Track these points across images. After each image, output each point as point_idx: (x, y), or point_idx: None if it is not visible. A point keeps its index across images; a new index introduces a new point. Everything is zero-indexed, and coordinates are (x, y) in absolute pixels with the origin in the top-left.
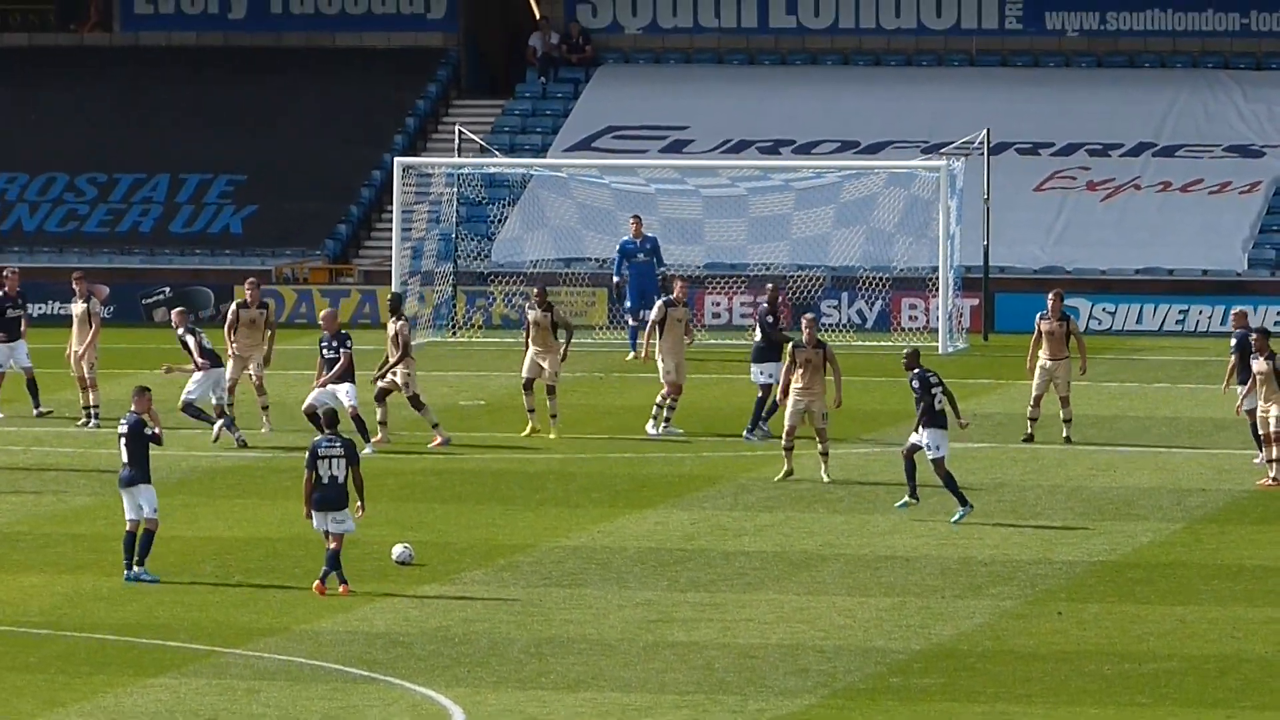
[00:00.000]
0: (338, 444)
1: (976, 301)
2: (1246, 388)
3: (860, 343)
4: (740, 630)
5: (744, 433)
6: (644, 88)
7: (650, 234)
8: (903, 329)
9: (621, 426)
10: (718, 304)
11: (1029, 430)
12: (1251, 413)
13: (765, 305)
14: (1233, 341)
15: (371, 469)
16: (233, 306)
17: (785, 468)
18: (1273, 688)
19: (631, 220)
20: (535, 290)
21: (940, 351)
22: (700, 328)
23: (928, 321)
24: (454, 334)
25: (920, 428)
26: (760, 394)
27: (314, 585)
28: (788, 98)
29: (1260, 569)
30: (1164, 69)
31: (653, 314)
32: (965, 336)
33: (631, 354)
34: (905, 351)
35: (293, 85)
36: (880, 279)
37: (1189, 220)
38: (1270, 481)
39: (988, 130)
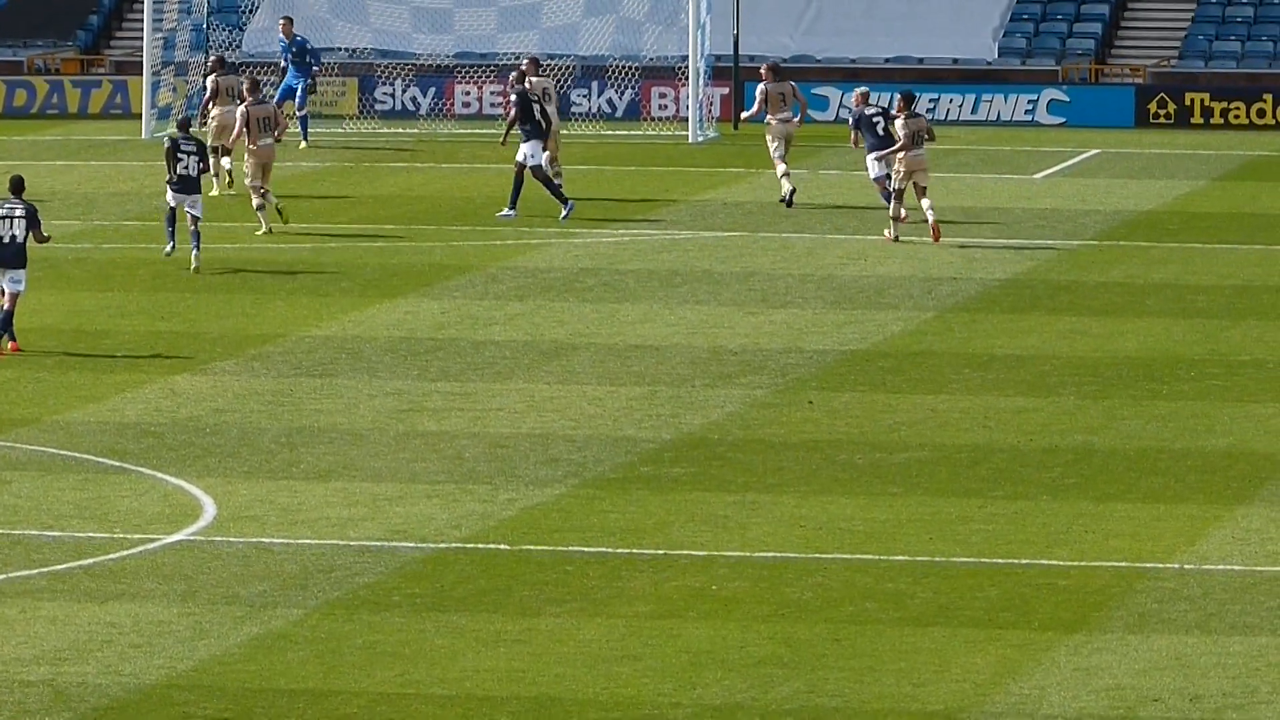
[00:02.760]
0: (20, 207)
1: (726, 90)
2: (877, 155)
3: (610, 132)
4: (491, 420)
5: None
6: None
7: (300, 35)
8: (653, 118)
9: (371, 217)
10: (468, 93)
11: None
12: (880, 179)
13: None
14: (850, 119)
15: (122, 259)
16: None
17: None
18: (1024, 477)
19: (281, 21)
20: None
21: (691, 140)
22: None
23: (678, 110)
24: (206, 124)
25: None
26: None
27: (9, 347)
28: None
29: (1011, 358)
30: None
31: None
32: (715, 125)
33: (304, 143)
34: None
35: None
36: (630, 68)
37: (939, 8)
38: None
39: None
